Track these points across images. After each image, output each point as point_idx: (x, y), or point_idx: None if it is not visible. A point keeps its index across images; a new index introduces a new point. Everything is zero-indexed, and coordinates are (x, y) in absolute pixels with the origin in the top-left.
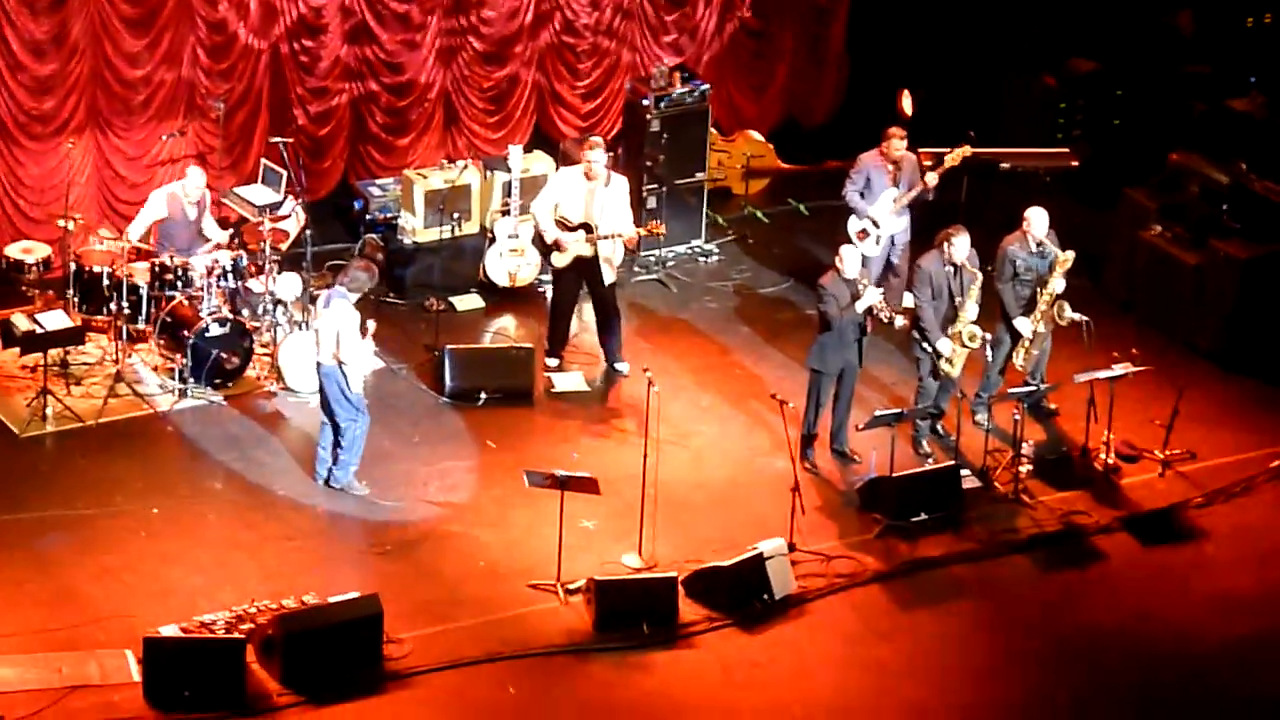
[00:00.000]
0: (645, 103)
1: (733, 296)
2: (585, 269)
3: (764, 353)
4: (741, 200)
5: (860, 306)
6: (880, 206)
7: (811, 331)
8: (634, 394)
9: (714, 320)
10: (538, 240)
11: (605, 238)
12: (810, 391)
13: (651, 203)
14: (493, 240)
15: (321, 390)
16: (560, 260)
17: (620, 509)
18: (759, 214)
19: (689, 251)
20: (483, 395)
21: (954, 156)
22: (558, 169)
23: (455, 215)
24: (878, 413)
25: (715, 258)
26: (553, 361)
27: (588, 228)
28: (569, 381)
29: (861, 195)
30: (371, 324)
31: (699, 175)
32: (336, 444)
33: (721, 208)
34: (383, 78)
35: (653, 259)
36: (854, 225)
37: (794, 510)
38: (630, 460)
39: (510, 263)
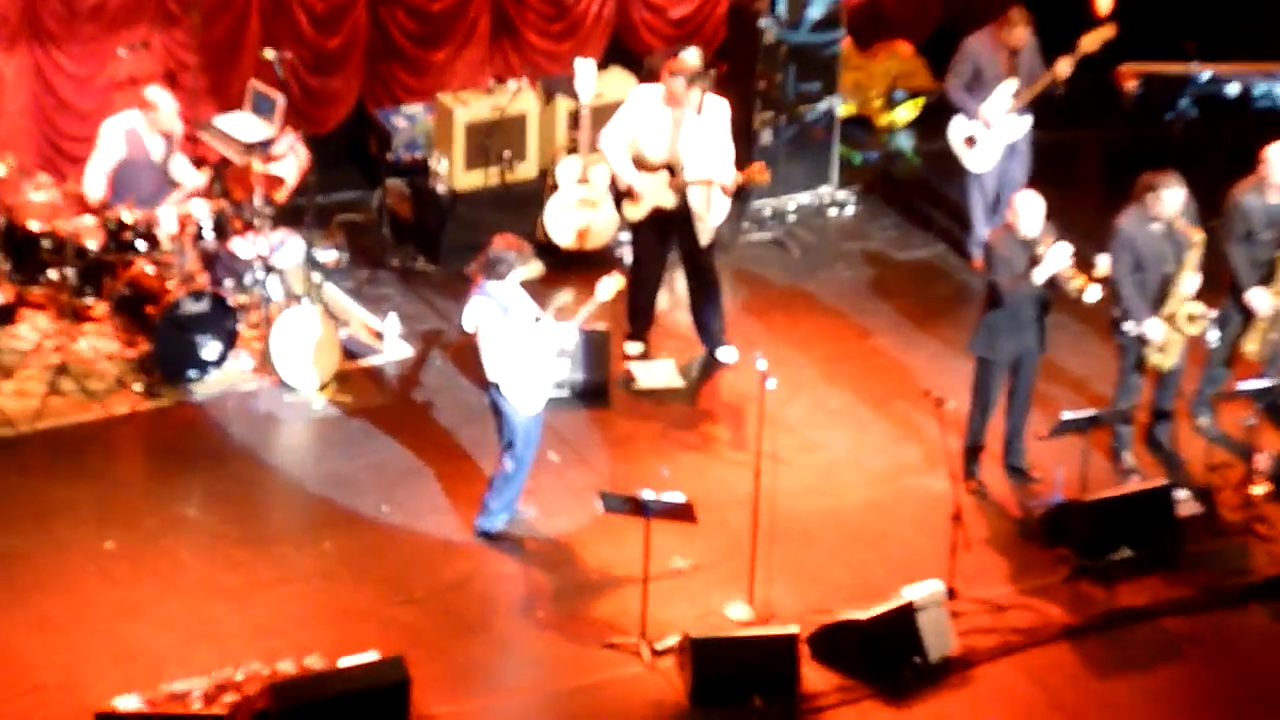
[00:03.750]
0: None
1: (873, 262)
2: (671, 225)
3: (914, 337)
4: (884, 134)
5: (1041, 274)
6: (993, 104)
7: (976, 308)
8: (742, 391)
9: (848, 293)
10: (612, 186)
11: (693, 184)
12: (976, 388)
13: (765, 137)
14: (555, 188)
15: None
16: (635, 212)
17: (724, 544)
18: (908, 152)
19: (815, 202)
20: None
21: (1092, 39)
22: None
23: (506, 155)
24: (1066, 415)
25: (850, 209)
26: (635, 347)
27: (671, 169)
28: (657, 374)
29: (969, 90)
30: (560, 303)
31: (829, 102)
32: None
33: (858, 144)
34: None
35: (767, 212)
36: (959, 129)
37: (955, 546)
38: (737, 479)
39: (579, 216)
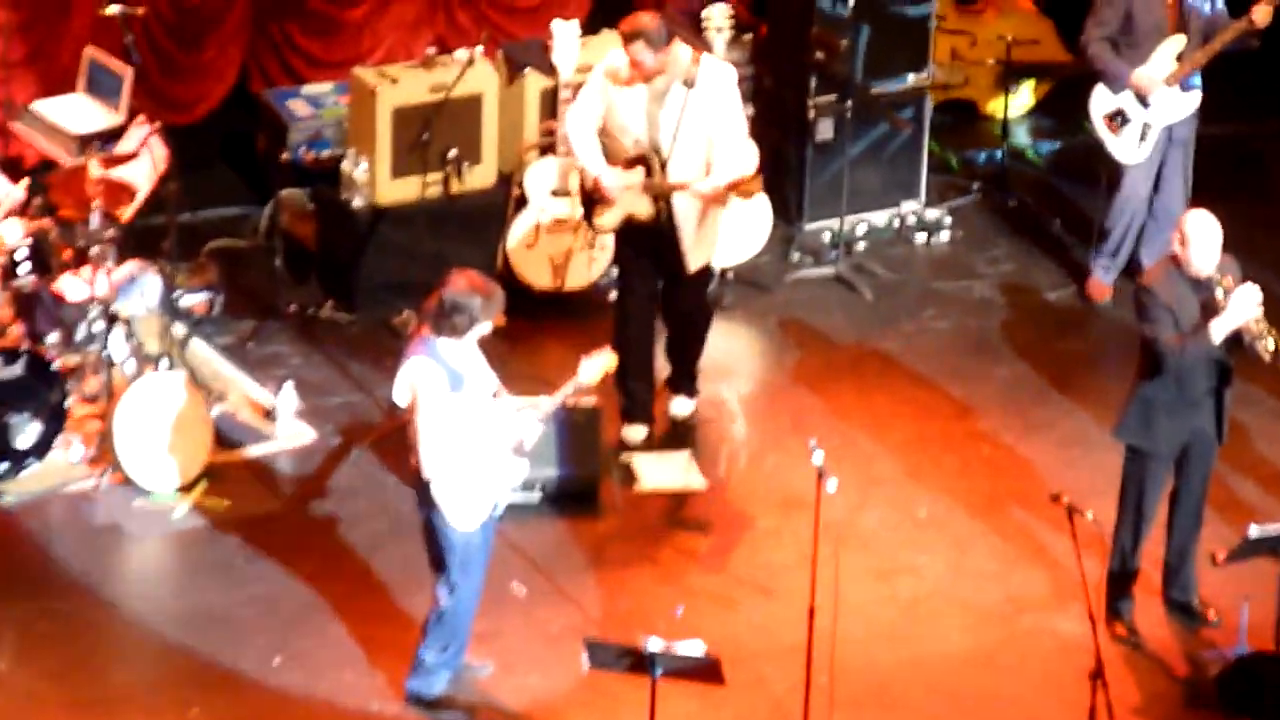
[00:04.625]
0: None
1: (978, 309)
2: (653, 241)
3: (1036, 416)
4: (996, 126)
5: (1220, 329)
6: (1152, 69)
7: (1126, 376)
8: (790, 493)
9: (942, 353)
10: (582, 186)
11: (672, 189)
12: (1126, 490)
13: (824, 130)
14: (522, 202)
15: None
16: (606, 219)
17: (763, 713)
18: (1029, 152)
19: (896, 223)
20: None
21: None
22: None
23: (452, 154)
24: (1253, 531)
25: (946, 234)
26: (636, 433)
27: (646, 165)
28: (666, 471)
29: (1115, 47)
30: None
31: (916, 80)
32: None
33: (958, 141)
34: None
35: (826, 237)
36: (1100, 103)
37: (1093, 714)
38: (781, 621)
39: (555, 243)
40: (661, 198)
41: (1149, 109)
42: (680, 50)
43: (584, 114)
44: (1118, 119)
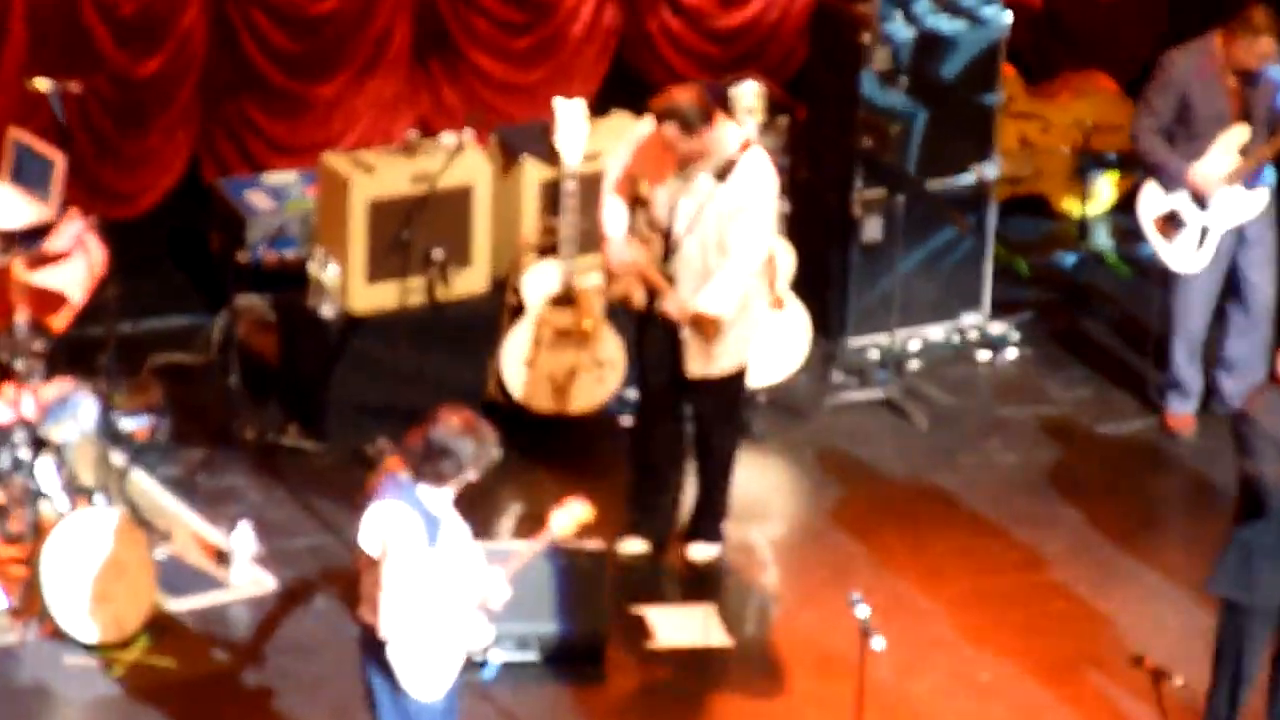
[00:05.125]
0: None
1: (1050, 439)
2: (662, 334)
3: (1116, 566)
4: (1072, 226)
5: None
6: (1210, 165)
7: (1221, 518)
8: (831, 653)
9: (1006, 490)
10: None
11: (657, 290)
12: (1222, 651)
13: (872, 230)
14: (519, 311)
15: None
16: (611, 290)
17: None
18: (1110, 256)
19: (956, 339)
20: (495, 654)
21: None
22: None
23: (437, 255)
24: None
25: (1013, 352)
26: (635, 545)
27: (667, 244)
28: (684, 626)
29: (1170, 138)
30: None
31: (979, 172)
32: None
33: (1029, 240)
34: None
35: (874, 354)
36: (1151, 202)
37: None
38: None
39: (558, 359)
40: (651, 290)
41: (1207, 211)
42: (727, 134)
43: (618, 168)
44: (1171, 222)
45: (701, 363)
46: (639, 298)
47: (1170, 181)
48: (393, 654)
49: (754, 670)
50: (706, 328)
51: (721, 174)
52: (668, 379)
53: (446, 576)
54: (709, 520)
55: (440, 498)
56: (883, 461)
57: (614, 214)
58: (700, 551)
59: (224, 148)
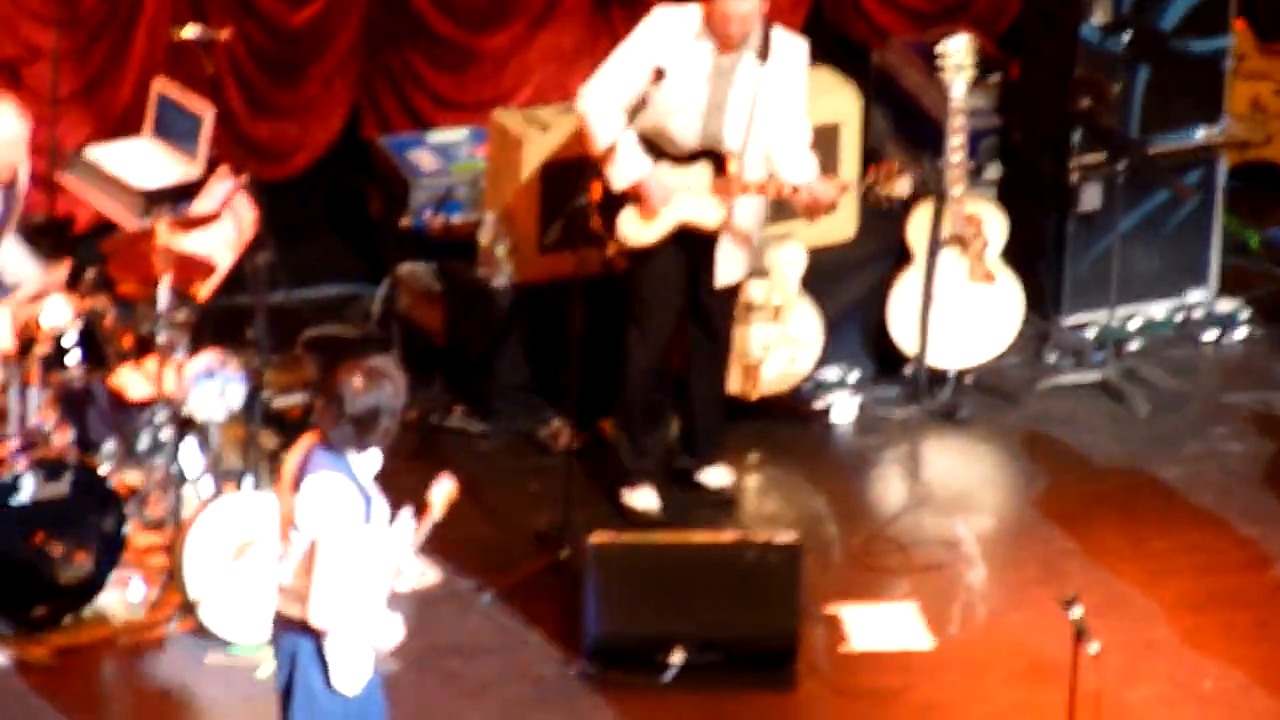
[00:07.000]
0: None
1: (1278, 428)
2: (694, 256)
3: None
4: None
5: None
6: None
7: None
8: (1039, 653)
9: (1234, 483)
10: (605, 190)
11: (752, 188)
12: None
13: (1090, 197)
14: None
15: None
16: (642, 232)
17: None
18: None
19: (1179, 317)
20: (676, 656)
21: None
22: (864, 105)
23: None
24: None
25: (1242, 331)
26: (645, 497)
27: (716, 158)
28: (881, 627)
29: None
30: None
31: (1205, 134)
32: None
33: (1260, 211)
34: None
35: (1090, 331)
36: None
37: None
38: None
39: (748, 336)
40: (726, 202)
41: None
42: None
43: (616, 87)
44: None
45: (734, 269)
46: (711, 220)
47: None
48: (328, 645)
49: (957, 675)
50: (832, 196)
51: (763, 54)
52: (680, 306)
53: (377, 557)
54: (718, 439)
55: (370, 466)
56: (1098, 450)
57: (630, 145)
58: (716, 476)
59: (386, 102)
